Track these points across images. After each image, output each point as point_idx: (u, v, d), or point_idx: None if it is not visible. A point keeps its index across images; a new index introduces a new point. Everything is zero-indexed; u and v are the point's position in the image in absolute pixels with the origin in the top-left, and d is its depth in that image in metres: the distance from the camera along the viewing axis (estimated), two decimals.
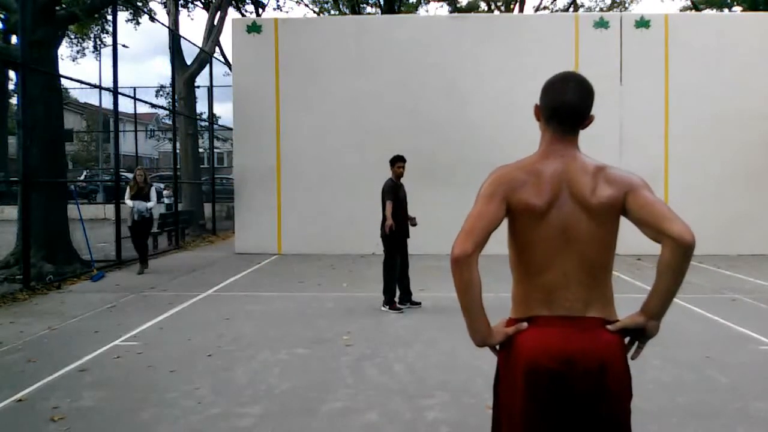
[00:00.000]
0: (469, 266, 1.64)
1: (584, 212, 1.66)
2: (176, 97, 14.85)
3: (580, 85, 1.76)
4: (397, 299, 6.68)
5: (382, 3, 24.08)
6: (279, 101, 11.80)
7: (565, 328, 1.64)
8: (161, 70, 62.88)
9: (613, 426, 1.64)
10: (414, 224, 6.70)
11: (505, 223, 1.75)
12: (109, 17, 14.78)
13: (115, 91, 10.51)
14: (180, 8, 17.26)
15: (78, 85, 45.36)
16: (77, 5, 11.17)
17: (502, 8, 26.46)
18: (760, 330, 5.62)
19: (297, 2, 35.47)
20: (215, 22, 15.82)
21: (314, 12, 25.43)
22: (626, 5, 27.34)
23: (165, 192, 15.69)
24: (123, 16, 19.39)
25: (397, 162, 6.62)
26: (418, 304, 6.78)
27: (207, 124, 19.02)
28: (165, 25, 15.55)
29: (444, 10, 28.15)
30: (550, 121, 1.78)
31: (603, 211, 1.66)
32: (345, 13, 24.07)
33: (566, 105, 1.74)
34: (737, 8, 23.10)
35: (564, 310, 1.66)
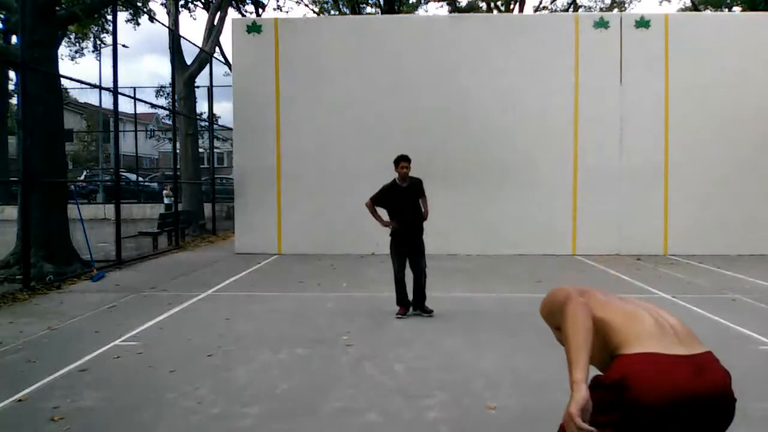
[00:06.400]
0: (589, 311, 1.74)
1: None
2: (176, 97, 14.85)
3: None
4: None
5: (382, 3, 24.09)
6: (279, 101, 11.80)
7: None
8: (157, 68, 62.93)
9: None
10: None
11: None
12: (109, 17, 14.80)
13: (115, 91, 10.51)
14: (180, 9, 17.26)
15: (78, 85, 45.37)
16: (77, 5, 11.17)
17: (502, 8, 26.46)
18: (760, 330, 5.62)
19: (297, 2, 35.52)
20: (215, 22, 15.81)
21: (314, 12, 25.44)
22: (626, 5, 27.34)
23: (165, 192, 15.69)
24: (123, 16, 19.44)
25: (400, 162, 6.29)
26: (429, 313, 6.30)
27: (207, 124, 19.02)
28: (165, 25, 15.55)
29: (444, 10, 28.16)
30: None
31: None
32: (345, 13, 24.07)
33: None
34: (737, 8, 23.09)
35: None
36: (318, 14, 24.99)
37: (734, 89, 11.28)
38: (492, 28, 11.94)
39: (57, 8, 9.45)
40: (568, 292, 1.82)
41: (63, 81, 13.06)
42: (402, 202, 6.33)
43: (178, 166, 14.82)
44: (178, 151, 14.69)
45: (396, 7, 22.95)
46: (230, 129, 14.55)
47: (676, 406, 1.58)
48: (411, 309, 6.40)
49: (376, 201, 6.41)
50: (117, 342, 5.33)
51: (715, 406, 1.63)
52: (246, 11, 22.32)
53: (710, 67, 11.31)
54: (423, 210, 6.42)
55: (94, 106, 31.09)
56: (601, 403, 1.64)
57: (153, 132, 37.04)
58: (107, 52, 22.99)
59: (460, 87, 11.55)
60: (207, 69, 15.87)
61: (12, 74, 21.25)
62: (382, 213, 6.45)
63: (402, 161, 6.30)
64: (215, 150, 18.71)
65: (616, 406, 1.63)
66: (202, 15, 27.24)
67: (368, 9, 25.80)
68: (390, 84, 11.65)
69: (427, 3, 28.52)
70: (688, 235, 11.26)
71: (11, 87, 22.64)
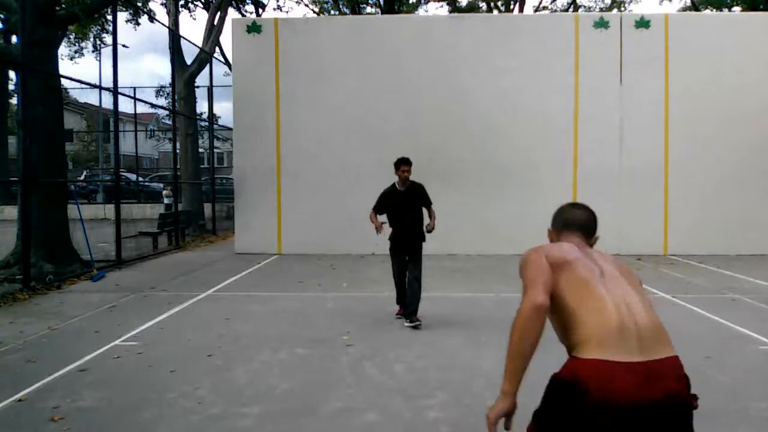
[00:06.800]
0: (544, 316, 1.77)
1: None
2: (176, 97, 14.85)
3: (587, 208, 2.11)
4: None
5: (382, 3, 24.08)
6: (279, 101, 11.80)
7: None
8: (157, 68, 62.95)
9: None
10: (428, 231, 6.09)
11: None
12: (109, 17, 14.79)
13: (115, 91, 10.51)
14: (180, 9, 17.25)
15: (78, 85, 45.34)
16: (77, 5, 11.17)
17: (502, 8, 26.47)
18: (760, 330, 5.62)
19: (297, 2, 35.51)
20: (215, 22, 15.81)
21: (314, 12, 25.44)
22: (626, 5, 27.34)
23: (165, 192, 15.68)
24: (123, 16, 19.44)
25: (401, 165, 6.06)
26: (414, 325, 5.82)
27: (207, 124, 19.01)
28: (165, 25, 15.55)
29: (444, 10, 28.16)
30: (563, 232, 2.08)
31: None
32: (345, 13, 24.08)
33: (579, 217, 2.08)
34: (737, 8, 23.10)
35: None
36: (318, 14, 25.00)
37: (734, 89, 11.28)
38: (492, 28, 11.94)
39: (57, 8, 9.45)
40: (533, 278, 1.83)
41: (63, 81, 13.04)
42: (401, 207, 6.11)
43: (178, 166, 14.82)
44: (178, 151, 14.69)
45: (396, 7, 22.95)
46: (230, 129, 14.55)
47: (621, 413, 1.58)
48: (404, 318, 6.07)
49: (377, 210, 6.25)
50: (117, 342, 5.33)
51: (662, 415, 1.61)
52: (246, 11, 22.32)
53: (710, 67, 11.30)
54: (431, 221, 6.16)
55: (94, 106, 31.10)
56: (551, 404, 1.69)
57: (153, 132, 37.03)
58: (107, 52, 22.98)
59: (460, 87, 11.55)
60: (207, 69, 15.87)
61: (12, 74, 21.25)
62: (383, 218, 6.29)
63: (402, 165, 6.06)
64: (215, 150, 18.72)
65: (561, 409, 1.65)
66: (202, 15, 27.26)
67: (368, 9, 25.80)
68: (390, 84, 11.65)
69: (427, 3, 28.56)
70: (688, 235, 11.26)
71: (11, 87, 22.63)
